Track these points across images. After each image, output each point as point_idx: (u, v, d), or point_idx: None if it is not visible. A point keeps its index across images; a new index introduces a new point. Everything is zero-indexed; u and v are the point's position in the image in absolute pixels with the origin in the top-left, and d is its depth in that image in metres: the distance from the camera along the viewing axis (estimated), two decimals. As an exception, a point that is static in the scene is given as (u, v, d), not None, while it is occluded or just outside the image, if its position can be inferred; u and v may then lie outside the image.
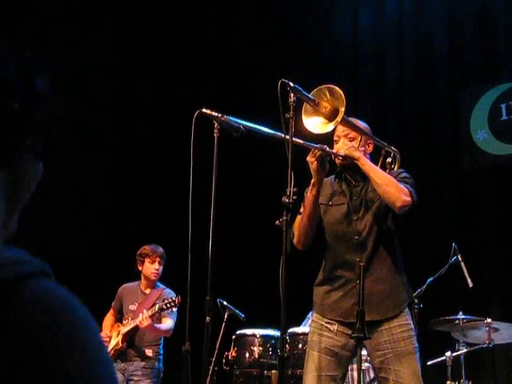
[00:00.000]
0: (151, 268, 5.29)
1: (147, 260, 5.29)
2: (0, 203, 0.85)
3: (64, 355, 0.69)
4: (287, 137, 2.91)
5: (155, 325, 5.05)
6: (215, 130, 3.13)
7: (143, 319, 4.96)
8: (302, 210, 3.37)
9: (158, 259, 5.29)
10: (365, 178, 3.39)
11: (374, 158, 3.56)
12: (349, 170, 3.47)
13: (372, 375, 4.59)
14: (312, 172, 3.27)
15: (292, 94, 2.99)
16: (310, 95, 3.20)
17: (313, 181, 3.30)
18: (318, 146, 3.23)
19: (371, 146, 3.56)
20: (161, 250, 5.33)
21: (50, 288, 0.75)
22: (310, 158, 3.24)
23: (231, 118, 3.14)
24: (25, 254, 0.76)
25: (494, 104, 6.62)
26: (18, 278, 0.72)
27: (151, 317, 4.98)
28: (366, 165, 3.34)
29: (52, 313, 0.72)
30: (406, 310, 3.35)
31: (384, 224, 3.38)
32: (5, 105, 0.84)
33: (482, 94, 6.71)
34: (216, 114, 3.11)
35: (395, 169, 3.60)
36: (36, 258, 0.76)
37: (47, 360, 0.69)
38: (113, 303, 5.44)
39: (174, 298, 4.96)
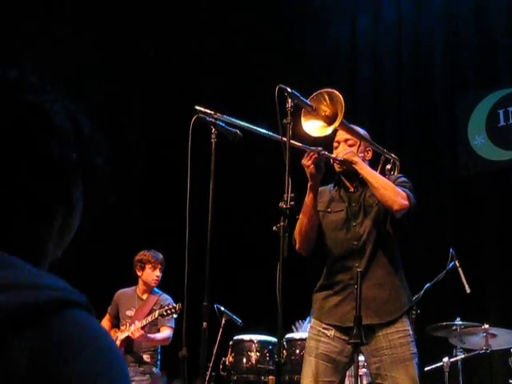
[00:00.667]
0: (152, 275, 5.27)
1: (148, 266, 5.27)
2: (51, 242, 0.87)
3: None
4: (284, 139, 2.91)
5: (149, 335, 5.03)
6: (212, 135, 3.13)
7: (134, 330, 4.95)
8: (301, 215, 3.37)
9: (159, 266, 5.28)
10: (363, 183, 3.40)
11: (374, 165, 3.56)
12: (347, 176, 3.47)
13: (365, 382, 4.58)
14: (308, 176, 3.27)
15: (290, 100, 2.99)
16: (307, 101, 3.20)
17: (309, 184, 3.30)
18: (313, 148, 3.22)
19: (370, 153, 3.56)
20: (161, 256, 5.32)
21: (91, 321, 0.77)
22: (305, 162, 3.23)
23: (229, 117, 3.15)
24: (73, 287, 0.78)
25: (492, 110, 6.63)
26: (65, 302, 0.74)
27: (143, 327, 4.97)
28: (364, 169, 3.34)
29: (89, 345, 0.73)
30: (405, 315, 3.34)
31: (383, 229, 3.38)
32: (66, 156, 0.85)
33: (480, 100, 6.72)
34: (213, 113, 3.11)
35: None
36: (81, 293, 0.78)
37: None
38: (109, 308, 5.41)
39: (174, 305, 4.93)
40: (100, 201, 0.95)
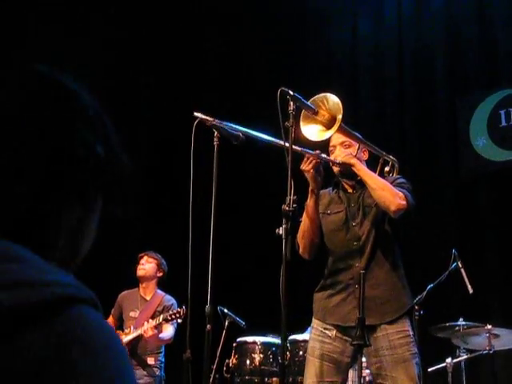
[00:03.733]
0: (138, 266, 5.33)
1: (139, 263, 5.36)
2: (61, 237, 0.83)
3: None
4: (287, 145, 2.92)
5: (160, 335, 5.05)
6: (215, 138, 3.14)
7: (148, 329, 4.95)
8: (303, 219, 3.39)
9: (145, 257, 5.33)
10: (362, 184, 3.42)
11: (373, 166, 3.58)
12: (346, 178, 3.50)
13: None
14: (309, 180, 3.30)
15: (292, 103, 3.00)
16: (309, 103, 3.22)
17: (310, 188, 3.33)
18: (313, 153, 3.24)
19: (366, 154, 3.60)
20: (153, 253, 5.36)
21: (99, 319, 0.74)
22: (305, 167, 3.25)
23: (229, 124, 3.16)
24: (80, 282, 0.75)
25: (493, 110, 6.63)
26: (69, 298, 0.71)
27: (156, 327, 4.98)
28: (362, 170, 3.37)
29: (92, 342, 0.70)
30: (406, 315, 3.35)
31: (382, 229, 3.40)
32: (95, 147, 0.84)
33: (481, 101, 6.73)
34: (212, 119, 3.13)
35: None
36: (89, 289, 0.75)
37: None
38: (112, 310, 5.43)
39: (178, 310, 4.95)
40: (119, 209, 0.92)
